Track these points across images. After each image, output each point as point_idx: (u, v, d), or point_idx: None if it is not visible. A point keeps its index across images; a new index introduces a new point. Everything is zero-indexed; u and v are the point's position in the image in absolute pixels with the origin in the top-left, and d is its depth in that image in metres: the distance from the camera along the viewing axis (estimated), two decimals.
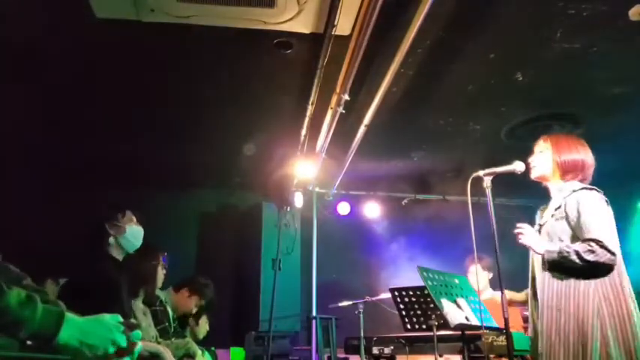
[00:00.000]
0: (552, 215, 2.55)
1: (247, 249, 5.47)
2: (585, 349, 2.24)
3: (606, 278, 2.33)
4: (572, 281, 2.36)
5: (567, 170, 2.59)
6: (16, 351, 1.22)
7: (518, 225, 2.58)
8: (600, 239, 2.29)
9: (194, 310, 3.94)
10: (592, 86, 3.98)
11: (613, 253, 2.28)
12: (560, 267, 2.40)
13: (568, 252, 2.34)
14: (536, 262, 2.59)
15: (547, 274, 2.47)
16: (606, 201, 2.50)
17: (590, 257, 2.28)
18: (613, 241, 2.32)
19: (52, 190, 5.04)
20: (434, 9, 2.76)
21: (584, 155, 2.61)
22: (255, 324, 4.90)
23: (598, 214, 2.39)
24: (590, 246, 2.29)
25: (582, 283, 2.34)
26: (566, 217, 2.47)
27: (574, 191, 2.50)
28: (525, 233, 2.55)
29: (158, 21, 3.12)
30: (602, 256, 2.27)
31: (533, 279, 2.62)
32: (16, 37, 3.24)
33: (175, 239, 5.22)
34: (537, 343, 2.47)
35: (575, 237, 2.43)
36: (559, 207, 2.53)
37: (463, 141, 4.94)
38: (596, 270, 2.32)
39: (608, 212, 2.45)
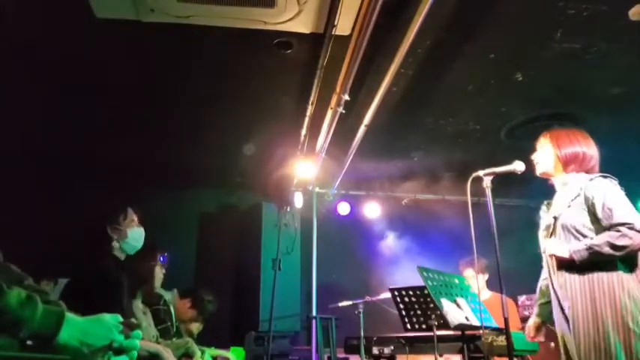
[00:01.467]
0: (569, 206, 2.48)
1: (247, 249, 5.47)
2: (627, 339, 2.20)
3: (633, 265, 2.29)
4: (594, 275, 2.32)
5: (568, 162, 2.57)
6: (16, 351, 1.22)
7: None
8: (631, 222, 2.24)
9: (190, 322, 3.92)
10: (592, 86, 3.99)
11: None
12: (591, 262, 2.33)
13: (599, 245, 2.27)
14: (551, 263, 2.54)
15: (566, 274, 2.42)
16: (622, 189, 2.46)
17: (624, 242, 2.22)
18: None
19: (52, 190, 5.04)
20: (434, 9, 2.76)
21: (586, 147, 2.59)
22: (255, 324, 4.90)
23: (622, 200, 2.36)
24: (621, 231, 2.24)
25: (605, 276, 2.29)
26: (588, 207, 2.41)
27: (590, 180, 2.46)
28: (549, 247, 2.49)
29: (158, 21, 3.12)
30: (636, 239, 2.23)
31: (551, 277, 2.56)
32: (17, 37, 3.24)
33: (175, 239, 5.22)
34: (569, 341, 2.42)
35: (599, 227, 2.38)
36: (576, 197, 2.46)
37: (463, 141, 4.94)
38: (631, 255, 2.28)
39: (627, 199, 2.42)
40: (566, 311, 2.40)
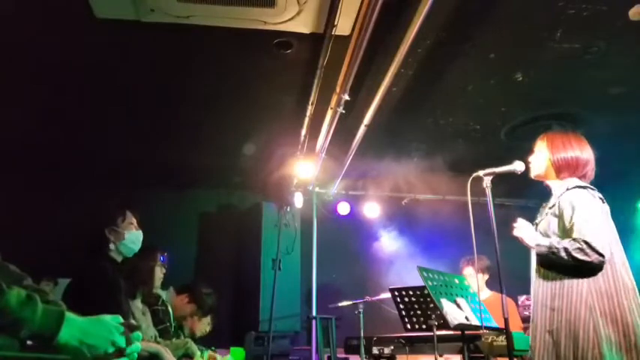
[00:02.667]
0: (546, 214, 2.56)
1: (247, 249, 5.47)
2: (577, 349, 2.23)
3: (599, 277, 2.31)
4: (565, 280, 2.36)
5: (561, 168, 2.57)
6: (17, 351, 1.22)
7: (517, 220, 2.59)
8: (588, 240, 2.27)
9: (188, 318, 3.86)
10: (592, 86, 3.98)
11: (602, 255, 2.26)
12: (549, 262, 2.41)
13: (557, 248, 2.34)
14: (532, 262, 2.59)
15: (541, 273, 2.48)
16: (601, 199, 2.48)
17: (578, 255, 2.28)
18: (602, 242, 2.30)
19: (51, 190, 5.04)
20: (434, 9, 2.76)
21: (580, 152, 2.58)
22: (255, 324, 4.90)
23: (589, 214, 2.37)
24: (580, 244, 2.28)
25: (575, 282, 2.33)
26: (560, 216, 2.47)
27: (567, 189, 2.49)
28: (519, 226, 2.56)
29: (158, 21, 3.12)
30: (591, 256, 2.26)
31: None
32: (16, 37, 3.24)
33: (175, 239, 5.22)
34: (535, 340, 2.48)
35: (564, 236, 2.43)
36: (553, 205, 2.53)
37: (463, 141, 4.94)
38: (584, 269, 2.32)
39: (601, 211, 2.43)
40: (533, 307, 2.49)
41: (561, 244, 2.35)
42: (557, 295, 2.37)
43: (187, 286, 3.94)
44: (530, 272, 2.68)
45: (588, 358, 2.20)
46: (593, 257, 2.26)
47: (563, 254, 2.31)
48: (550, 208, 2.55)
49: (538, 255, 2.46)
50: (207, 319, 3.95)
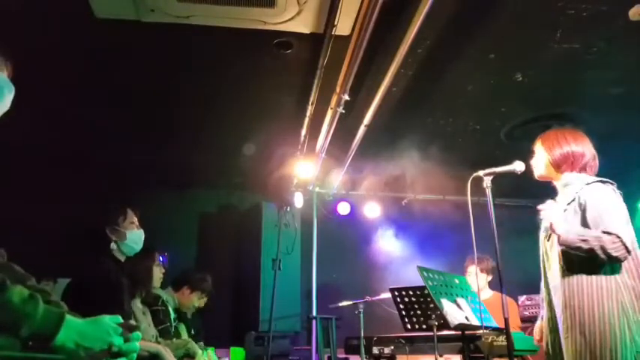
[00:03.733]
0: (565, 210, 2.47)
1: (247, 249, 5.47)
2: (615, 349, 2.18)
3: (625, 274, 2.28)
4: (593, 278, 2.29)
5: (559, 164, 2.55)
6: (18, 351, 1.22)
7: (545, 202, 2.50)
8: (619, 234, 2.22)
9: (197, 304, 4.01)
10: (592, 86, 3.98)
11: (628, 251, 2.22)
12: (570, 259, 2.33)
13: (590, 237, 2.24)
14: (551, 260, 2.52)
15: (565, 272, 2.39)
16: (620, 194, 2.45)
17: (612, 248, 2.20)
18: (630, 238, 2.26)
19: (51, 190, 5.04)
20: (434, 9, 2.75)
21: (575, 146, 2.55)
22: (255, 324, 4.90)
23: (615, 209, 2.33)
24: (614, 238, 2.21)
25: (604, 280, 2.27)
26: (582, 211, 2.39)
27: (587, 184, 2.44)
28: (547, 208, 2.44)
29: (158, 21, 3.12)
30: (620, 251, 2.21)
31: (546, 280, 2.56)
32: (16, 36, 3.24)
33: (175, 239, 5.23)
34: (551, 345, 2.44)
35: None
36: (572, 201, 2.45)
37: (463, 141, 4.94)
38: (609, 263, 2.27)
39: (623, 206, 2.39)
40: (557, 312, 2.41)
41: (593, 233, 2.26)
42: (585, 294, 2.29)
43: (181, 279, 3.96)
44: (539, 272, 2.65)
45: (627, 356, 2.17)
46: (621, 252, 2.21)
47: (595, 244, 2.21)
48: (568, 204, 2.46)
49: (564, 243, 2.31)
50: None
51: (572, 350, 2.28)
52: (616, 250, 2.21)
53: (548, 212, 2.43)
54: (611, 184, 2.46)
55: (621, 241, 2.21)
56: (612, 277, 2.28)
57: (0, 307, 1.16)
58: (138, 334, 1.37)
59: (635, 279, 2.30)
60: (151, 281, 3.28)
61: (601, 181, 2.46)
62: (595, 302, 2.27)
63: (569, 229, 2.32)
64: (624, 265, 2.30)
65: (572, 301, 2.33)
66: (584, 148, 2.57)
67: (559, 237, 2.34)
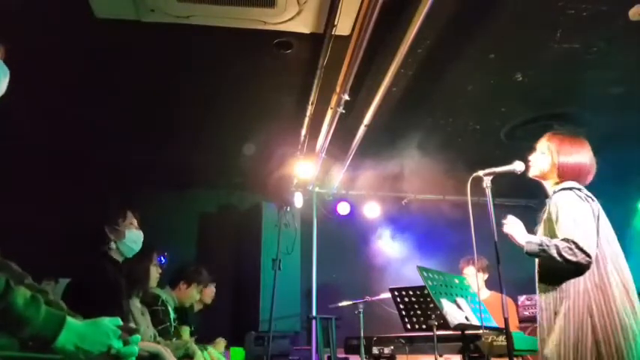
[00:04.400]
0: (542, 219, 2.59)
1: (247, 249, 5.47)
2: (584, 349, 2.24)
3: (593, 278, 2.32)
4: (564, 283, 2.37)
5: (564, 172, 2.56)
6: (17, 351, 1.22)
7: (507, 217, 2.60)
8: (575, 240, 2.29)
9: (198, 297, 4.02)
10: (592, 86, 3.98)
11: (588, 255, 2.28)
12: (546, 269, 2.44)
13: (548, 246, 2.35)
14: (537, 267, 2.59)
15: (540, 283, 2.50)
16: (589, 197, 2.47)
17: (567, 255, 2.29)
18: (589, 242, 2.31)
19: (51, 190, 5.03)
20: (434, 9, 2.75)
21: (585, 159, 2.58)
22: (255, 324, 4.90)
23: (573, 214, 2.38)
24: (569, 244, 2.30)
25: (573, 283, 2.34)
26: (549, 219, 2.50)
27: (554, 192, 2.52)
28: (509, 223, 2.55)
29: (158, 21, 3.12)
30: (579, 256, 2.28)
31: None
32: (15, 36, 3.24)
33: (175, 239, 5.23)
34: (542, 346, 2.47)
35: (556, 237, 2.44)
36: (545, 208, 2.56)
37: (463, 141, 4.94)
38: (573, 269, 2.33)
39: (590, 210, 2.42)
40: (543, 321, 2.46)
41: (552, 241, 2.36)
42: (558, 298, 2.38)
43: (176, 276, 3.95)
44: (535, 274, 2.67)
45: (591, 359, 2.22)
46: (580, 257, 2.28)
47: (553, 252, 2.32)
48: (543, 212, 2.57)
49: (528, 252, 2.44)
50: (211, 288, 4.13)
51: (555, 351, 2.34)
52: (573, 256, 2.28)
53: (510, 227, 2.53)
54: (577, 189, 2.48)
55: (577, 246, 2.28)
56: (581, 280, 2.34)
57: (4, 309, 1.16)
58: (137, 336, 1.38)
59: (602, 278, 2.33)
60: (148, 281, 3.27)
61: (565, 188, 2.49)
62: (566, 306, 2.33)
63: (531, 240, 2.44)
64: (597, 264, 2.34)
65: (547, 304, 2.43)
66: (590, 160, 2.60)
67: (523, 247, 2.45)
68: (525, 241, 2.45)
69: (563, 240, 2.33)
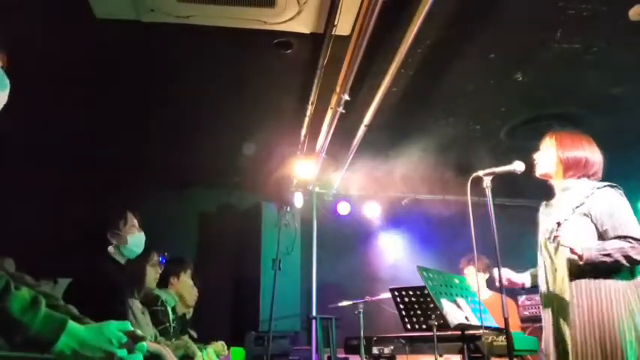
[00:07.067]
0: (572, 213, 2.48)
1: (247, 249, 5.47)
2: (622, 349, 2.21)
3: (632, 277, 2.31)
4: (601, 281, 2.32)
5: (569, 167, 2.56)
6: (6, 350, 1.21)
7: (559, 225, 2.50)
8: (638, 237, 2.26)
9: (190, 283, 3.89)
10: (592, 86, 3.98)
11: None
12: (596, 266, 2.33)
13: (612, 250, 2.26)
14: (557, 264, 2.52)
15: (574, 276, 2.41)
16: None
17: (635, 254, 2.23)
18: None
19: (52, 190, 5.04)
20: (434, 9, 2.75)
21: (589, 152, 2.58)
22: (255, 324, 4.90)
23: (628, 213, 2.36)
24: (632, 243, 2.25)
25: (612, 282, 2.30)
26: (591, 216, 2.42)
27: (598, 189, 2.46)
28: (565, 234, 2.42)
29: (158, 21, 3.12)
30: None
31: (547, 281, 2.57)
32: (15, 36, 3.24)
33: (175, 239, 5.22)
34: (550, 344, 2.44)
35: (600, 236, 2.40)
36: (581, 204, 2.46)
37: (463, 141, 4.94)
38: (633, 267, 2.30)
39: (631, 209, 2.42)
40: (572, 317, 2.40)
41: (613, 245, 2.28)
42: (594, 296, 2.33)
43: (163, 274, 3.88)
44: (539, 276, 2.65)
45: (632, 356, 2.20)
46: None
47: (619, 255, 2.25)
48: (576, 207, 2.47)
49: (588, 260, 2.30)
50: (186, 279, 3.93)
51: (581, 350, 2.30)
52: (638, 254, 2.24)
53: (566, 237, 2.39)
54: (619, 188, 2.47)
55: None
56: (621, 278, 2.30)
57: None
58: (143, 344, 1.35)
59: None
60: (144, 281, 3.25)
61: (610, 186, 2.47)
62: (605, 303, 2.29)
63: (589, 247, 2.32)
64: None
65: (581, 301, 2.35)
66: (598, 157, 2.60)
67: (581, 257, 2.32)
68: (584, 249, 2.32)
69: (624, 239, 2.27)
